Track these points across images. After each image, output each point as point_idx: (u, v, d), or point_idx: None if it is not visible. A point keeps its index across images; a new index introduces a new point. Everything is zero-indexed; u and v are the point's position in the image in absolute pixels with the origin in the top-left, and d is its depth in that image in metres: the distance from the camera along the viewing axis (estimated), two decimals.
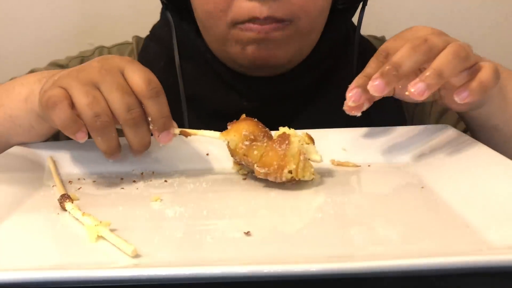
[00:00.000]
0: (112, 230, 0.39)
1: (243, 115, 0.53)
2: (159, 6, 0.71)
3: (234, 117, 0.64)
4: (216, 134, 0.50)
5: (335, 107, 0.67)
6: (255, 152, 0.48)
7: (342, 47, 0.69)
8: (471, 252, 0.35)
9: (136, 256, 0.36)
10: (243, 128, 0.49)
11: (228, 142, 0.50)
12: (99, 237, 0.39)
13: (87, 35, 1.04)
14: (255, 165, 0.48)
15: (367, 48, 0.73)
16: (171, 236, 0.40)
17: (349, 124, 0.65)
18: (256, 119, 0.51)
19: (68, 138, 0.55)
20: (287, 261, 0.35)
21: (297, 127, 0.65)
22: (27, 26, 1.04)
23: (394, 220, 0.41)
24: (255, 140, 0.48)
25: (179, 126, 0.65)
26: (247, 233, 0.39)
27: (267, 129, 0.50)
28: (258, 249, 0.37)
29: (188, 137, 0.52)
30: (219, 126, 0.64)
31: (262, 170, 0.48)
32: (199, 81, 0.67)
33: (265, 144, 0.48)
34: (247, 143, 0.48)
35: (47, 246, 0.40)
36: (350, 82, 0.67)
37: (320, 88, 0.67)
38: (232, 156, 0.51)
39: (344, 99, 0.63)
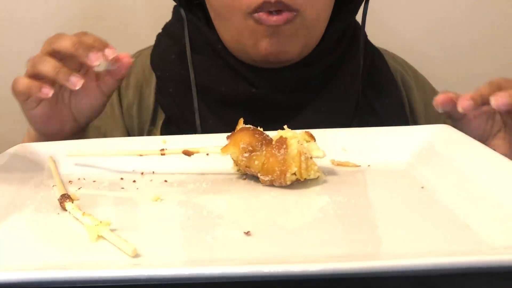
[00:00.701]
0: (112, 230, 0.39)
1: (241, 121, 0.53)
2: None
3: (243, 104, 0.67)
4: (218, 149, 0.51)
5: (341, 99, 0.69)
6: (256, 162, 0.49)
7: (349, 42, 0.71)
8: (471, 252, 0.35)
9: (136, 256, 0.36)
10: (240, 140, 0.49)
11: (231, 154, 0.51)
12: (99, 237, 0.39)
13: None
14: (259, 175, 0.49)
15: (374, 51, 0.76)
16: (171, 236, 0.40)
17: (354, 115, 0.68)
18: (252, 127, 0.51)
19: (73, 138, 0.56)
20: (287, 261, 0.35)
21: (304, 116, 0.67)
22: (27, 26, 1.04)
23: (394, 220, 0.41)
24: (254, 151, 0.49)
25: (190, 114, 0.67)
26: (247, 233, 0.39)
27: (265, 134, 0.50)
28: (258, 249, 0.37)
29: (191, 155, 0.52)
30: (229, 113, 0.67)
31: (266, 178, 0.49)
32: (209, 71, 0.69)
33: (264, 152, 0.49)
34: (246, 155, 0.49)
35: (47, 246, 0.40)
36: (356, 76, 0.69)
37: (327, 80, 0.70)
38: (236, 166, 0.52)
39: (351, 90, 0.68)
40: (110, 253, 0.37)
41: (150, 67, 0.73)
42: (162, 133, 0.69)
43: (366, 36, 0.73)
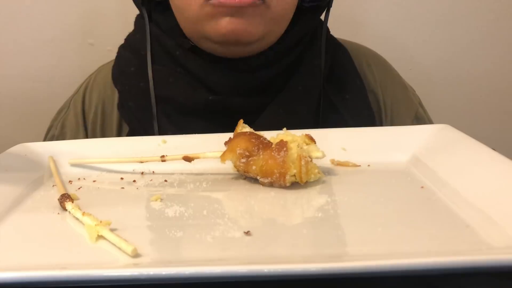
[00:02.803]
0: (112, 230, 0.39)
1: (240, 122, 0.53)
2: None
3: (202, 112, 0.66)
4: (217, 155, 0.51)
5: (302, 98, 0.68)
6: (254, 167, 0.49)
7: (309, 41, 0.70)
8: (471, 252, 0.35)
9: (136, 256, 0.36)
10: (237, 146, 0.49)
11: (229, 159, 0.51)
12: (99, 237, 0.39)
13: (87, 35, 1.05)
14: (258, 177, 0.49)
15: (336, 47, 0.74)
16: (171, 236, 0.40)
17: (317, 113, 0.67)
18: (249, 132, 0.51)
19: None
20: (287, 261, 0.35)
21: (264, 119, 0.66)
22: (27, 26, 1.04)
23: (394, 220, 0.41)
24: (251, 155, 0.49)
25: (150, 126, 0.66)
26: (247, 233, 0.39)
27: (261, 138, 0.50)
28: (258, 249, 0.37)
29: (192, 161, 0.52)
30: (188, 122, 0.66)
31: (266, 180, 0.49)
32: (167, 81, 0.68)
33: (261, 156, 0.49)
34: (243, 160, 0.49)
35: (47, 246, 0.40)
36: (316, 74, 0.68)
37: (287, 79, 0.68)
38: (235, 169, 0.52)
39: (312, 89, 0.66)
40: (110, 253, 0.37)
41: (112, 82, 0.73)
42: None
43: (328, 32, 0.72)
